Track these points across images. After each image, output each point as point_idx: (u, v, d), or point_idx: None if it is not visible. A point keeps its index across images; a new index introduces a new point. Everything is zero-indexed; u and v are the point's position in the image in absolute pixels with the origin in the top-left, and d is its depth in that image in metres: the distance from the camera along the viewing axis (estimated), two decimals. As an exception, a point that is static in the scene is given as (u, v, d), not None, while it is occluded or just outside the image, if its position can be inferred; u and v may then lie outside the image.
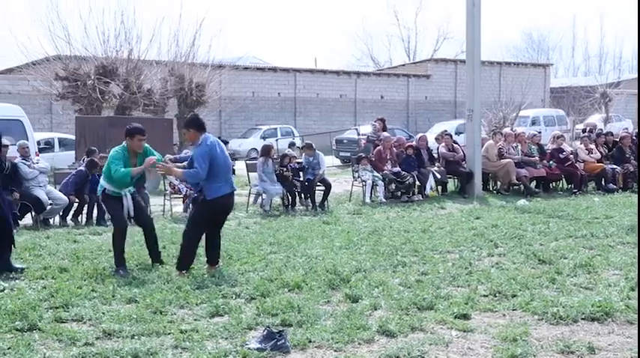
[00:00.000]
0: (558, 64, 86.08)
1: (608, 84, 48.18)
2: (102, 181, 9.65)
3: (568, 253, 10.10)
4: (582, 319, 6.90)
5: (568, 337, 6.40)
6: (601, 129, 27.99)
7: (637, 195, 17.09)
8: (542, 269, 9.17)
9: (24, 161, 14.08)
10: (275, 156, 17.46)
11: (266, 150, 16.38)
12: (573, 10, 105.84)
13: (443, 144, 19.08)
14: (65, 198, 14.10)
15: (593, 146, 20.05)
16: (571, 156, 19.40)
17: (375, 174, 17.23)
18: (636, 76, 56.42)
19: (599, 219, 13.61)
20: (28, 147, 14.63)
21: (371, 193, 17.12)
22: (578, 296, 7.69)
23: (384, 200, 16.97)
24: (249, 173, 17.13)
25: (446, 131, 20.97)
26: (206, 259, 9.46)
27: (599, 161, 19.55)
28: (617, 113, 47.27)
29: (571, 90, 49.68)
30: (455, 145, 19.24)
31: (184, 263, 9.12)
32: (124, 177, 9.34)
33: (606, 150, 20.37)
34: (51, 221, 14.23)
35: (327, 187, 16.37)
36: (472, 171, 18.31)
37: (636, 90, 37.87)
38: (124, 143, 9.57)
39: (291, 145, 25.74)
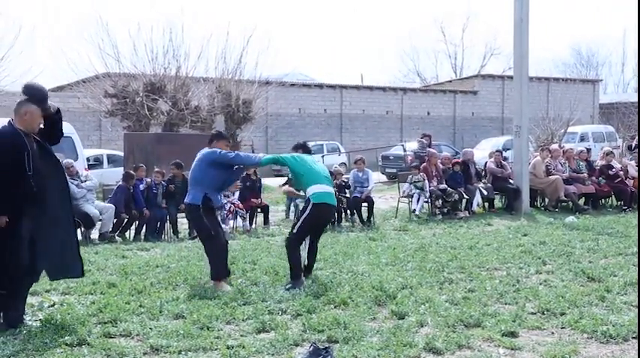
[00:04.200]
0: (608, 79, 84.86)
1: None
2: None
3: (618, 271, 9.95)
4: (633, 338, 6.78)
5: (618, 356, 6.31)
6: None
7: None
8: (591, 286, 9.05)
9: (72, 180, 14.22)
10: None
11: None
12: (623, 24, 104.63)
13: (492, 159, 18.93)
14: (111, 205, 14.23)
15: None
16: (621, 172, 19.14)
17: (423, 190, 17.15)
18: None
19: (650, 236, 13.42)
20: (73, 166, 14.59)
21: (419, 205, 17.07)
22: (628, 314, 7.58)
23: (425, 202, 17.14)
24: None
25: (498, 149, 20.85)
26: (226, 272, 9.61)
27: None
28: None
29: (621, 106, 48.95)
30: (504, 162, 19.11)
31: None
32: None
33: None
34: (93, 235, 14.34)
35: (370, 204, 16.39)
36: (519, 188, 18.14)
37: None
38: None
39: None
